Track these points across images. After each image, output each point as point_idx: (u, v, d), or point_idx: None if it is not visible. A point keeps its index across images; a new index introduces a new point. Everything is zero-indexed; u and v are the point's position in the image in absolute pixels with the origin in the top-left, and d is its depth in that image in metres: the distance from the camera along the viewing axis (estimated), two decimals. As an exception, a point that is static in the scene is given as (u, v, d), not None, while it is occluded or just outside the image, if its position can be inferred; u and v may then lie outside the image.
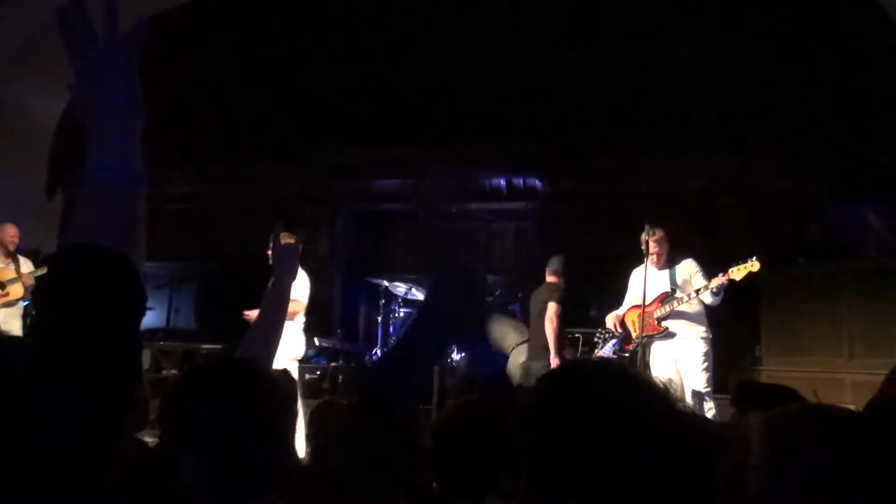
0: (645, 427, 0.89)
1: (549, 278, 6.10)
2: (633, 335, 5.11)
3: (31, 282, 6.32)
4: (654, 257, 5.09)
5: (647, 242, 4.98)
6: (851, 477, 1.11)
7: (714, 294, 4.86)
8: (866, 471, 1.12)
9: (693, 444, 0.91)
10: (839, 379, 6.74)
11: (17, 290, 6.46)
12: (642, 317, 4.95)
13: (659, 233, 5.14)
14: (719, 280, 4.77)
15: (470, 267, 1.30)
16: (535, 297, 6.08)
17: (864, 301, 6.81)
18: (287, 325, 5.57)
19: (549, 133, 8.87)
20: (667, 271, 5.15)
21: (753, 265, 4.63)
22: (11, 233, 6.40)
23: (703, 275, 5.04)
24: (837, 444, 1.16)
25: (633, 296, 5.25)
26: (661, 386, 0.97)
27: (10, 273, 6.38)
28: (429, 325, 1.27)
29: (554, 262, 6.19)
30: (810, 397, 5.37)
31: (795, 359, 7.25)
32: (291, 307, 5.29)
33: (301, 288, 5.60)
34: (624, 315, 5.31)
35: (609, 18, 8.51)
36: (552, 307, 5.68)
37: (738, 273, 4.69)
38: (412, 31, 8.96)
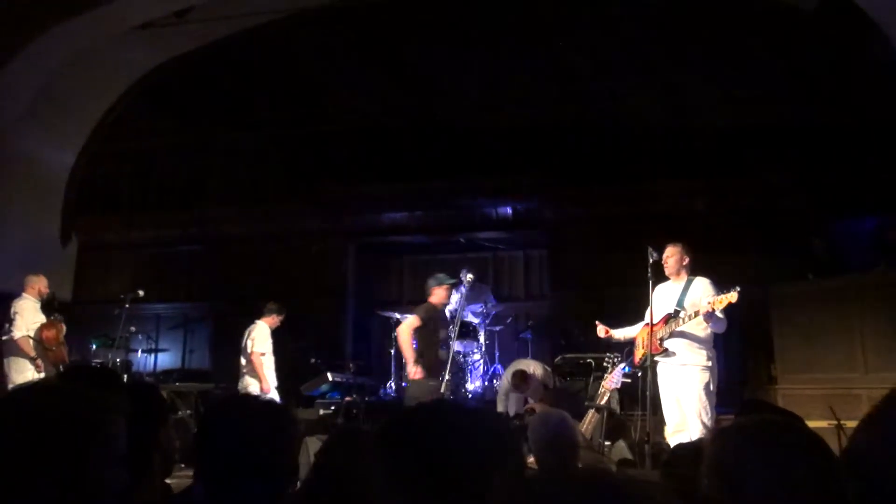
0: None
1: None
2: (641, 354, 5.03)
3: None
4: (668, 272, 5.10)
5: (650, 265, 4.97)
6: (785, 484, 1.16)
7: (709, 319, 4.70)
8: (802, 479, 1.16)
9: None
10: (856, 395, 6.61)
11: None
12: (650, 336, 4.91)
13: (669, 249, 5.12)
14: (706, 308, 4.65)
15: None
16: None
17: (876, 314, 6.73)
18: None
19: (553, 160, 8.96)
20: (681, 286, 5.07)
21: (732, 296, 4.55)
22: (45, 283, 6.78)
23: (714, 295, 4.80)
24: (774, 453, 1.21)
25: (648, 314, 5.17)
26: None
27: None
28: None
29: None
30: (826, 413, 5.35)
31: (811, 376, 7.16)
32: None
33: None
34: (636, 336, 5.22)
35: (609, 49, 8.62)
36: None
37: (719, 304, 4.60)
38: (418, 71, 9.08)
